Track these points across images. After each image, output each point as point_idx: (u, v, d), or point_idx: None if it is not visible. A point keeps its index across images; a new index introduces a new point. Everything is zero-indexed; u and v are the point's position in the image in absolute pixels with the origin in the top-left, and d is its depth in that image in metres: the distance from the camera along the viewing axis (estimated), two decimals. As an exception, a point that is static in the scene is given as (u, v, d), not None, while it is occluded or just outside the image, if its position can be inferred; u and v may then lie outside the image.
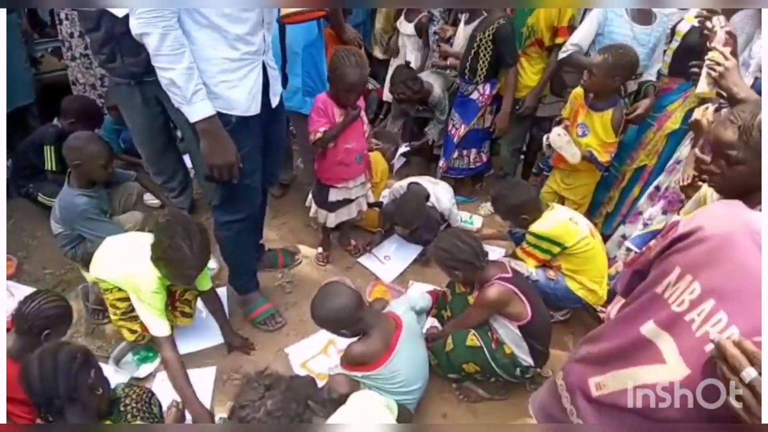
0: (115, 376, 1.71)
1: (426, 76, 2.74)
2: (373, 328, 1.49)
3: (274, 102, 1.60)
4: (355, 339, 1.51)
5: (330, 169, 1.98)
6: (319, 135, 1.82)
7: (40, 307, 1.33)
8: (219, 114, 1.39)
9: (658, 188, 2.09)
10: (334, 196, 2.05)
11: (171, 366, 1.49)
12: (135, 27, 1.24)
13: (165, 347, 1.51)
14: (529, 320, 1.58)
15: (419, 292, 1.92)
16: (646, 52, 2.07)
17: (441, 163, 2.75)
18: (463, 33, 2.58)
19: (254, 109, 1.48)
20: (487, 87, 2.45)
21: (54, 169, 2.24)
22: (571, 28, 2.28)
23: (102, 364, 1.73)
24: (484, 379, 1.74)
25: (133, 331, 1.72)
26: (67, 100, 2.40)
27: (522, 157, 2.96)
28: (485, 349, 1.63)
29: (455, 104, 2.66)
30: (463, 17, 2.65)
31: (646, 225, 2.09)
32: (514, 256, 2.04)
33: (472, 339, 1.64)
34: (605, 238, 2.34)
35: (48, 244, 2.19)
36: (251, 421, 1.09)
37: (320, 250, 2.33)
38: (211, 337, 1.89)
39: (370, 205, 2.26)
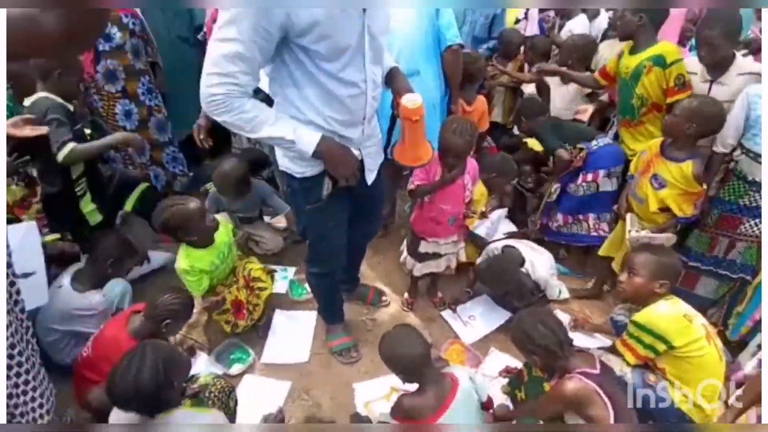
0: (211, 368, 2.01)
1: None
2: (429, 384, 1.49)
3: (370, 179, 1.68)
4: (408, 388, 1.53)
5: (423, 223, 2.07)
6: (412, 186, 1.95)
7: (168, 300, 1.67)
8: (298, 179, 1.54)
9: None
10: (423, 248, 2.13)
11: None
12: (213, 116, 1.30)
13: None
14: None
15: (486, 380, 1.84)
16: None
17: (538, 220, 2.65)
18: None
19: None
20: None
21: None
22: (681, 85, 2.14)
23: (204, 355, 2.09)
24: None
25: (227, 322, 2.04)
26: (243, 151, 2.87)
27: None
28: (550, 446, 1.48)
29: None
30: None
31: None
32: (613, 350, 1.84)
33: (538, 432, 1.51)
34: (730, 344, 2.02)
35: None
36: None
37: (406, 296, 2.40)
38: (295, 355, 2.10)
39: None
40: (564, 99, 2.88)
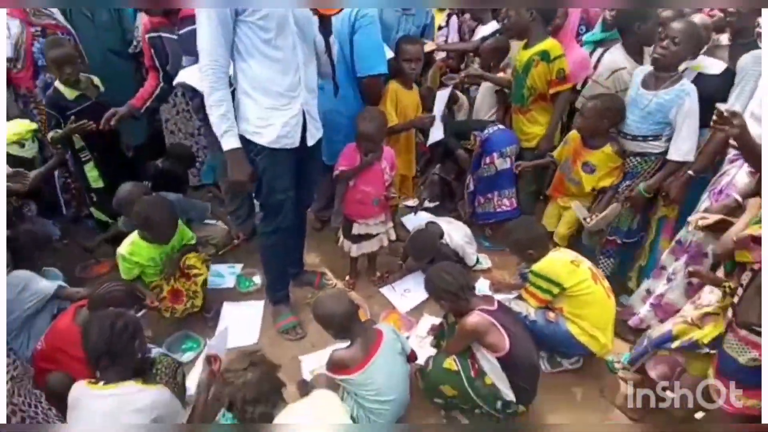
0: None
1: None
2: (356, 338, 1.71)
3: (310, 142, 1.98)
4: (342, 345, 1.75)
5: (351, 206, 2.32)
6: (337, 172, 2.19)
7: (109, 289, 1.79)
8: (252, 143, 1.84)
9: (680, 242, 2.05)
10: (356, 229, 2.37)
11: None
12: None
13: None
14: (507, 353, 1.67)
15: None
16: (641, 115, 2.15)
17: (466, 208, 2.97)
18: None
19: (283, 144, 1.88)
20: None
21: None
22: (562, 78, 2.48)
23: (156, 348, 2.20)
24: (468, 409, 1.81)
25: (166, 309, 2.17)
26: (171, 145, 3.12)
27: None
28: (462, 375, 1.74)
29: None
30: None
31: (670, 280, 2.05)
32: (520, 297, 2.13)
33: (450, 363, 1.77)
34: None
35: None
36: (231, 384, 1.38)
37: (348, 277, 2.62)
38: (244, 338, 2.25)
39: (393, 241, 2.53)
40: (482, 100, 3.20)
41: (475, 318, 1.68)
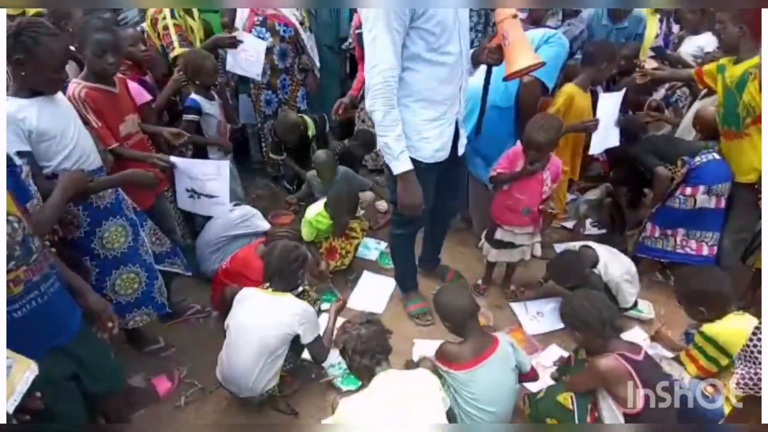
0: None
1: None
2: (470, 337, 1.70)
3: (461, 151, 2.00)
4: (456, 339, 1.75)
5: (500, 210, 2.27)
6: (493, 174, 2.17)
7: (284, 229, 2.28)
8: (413, 159, 1.77)
9: None
10: (500, 234, 2.31)
11: None
12: (367, 105, 1.70)
13: None
14: (638, 412, 1.44)
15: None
16: None
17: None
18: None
19: (437, 158, 1.87)
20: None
21: None
22: None
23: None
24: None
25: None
26: (360, 130, 3.48)
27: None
28: (576, 415, 1.56)
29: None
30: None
31: None
32: (678, 359, 1.79)
33: (566, 398, 1.61)
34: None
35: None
36: (347, 333, 1.55)
37: (480, 282, 2.58)
38: (373, 305, 2.44)
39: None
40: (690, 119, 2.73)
41: (611, 362, 1.48)
